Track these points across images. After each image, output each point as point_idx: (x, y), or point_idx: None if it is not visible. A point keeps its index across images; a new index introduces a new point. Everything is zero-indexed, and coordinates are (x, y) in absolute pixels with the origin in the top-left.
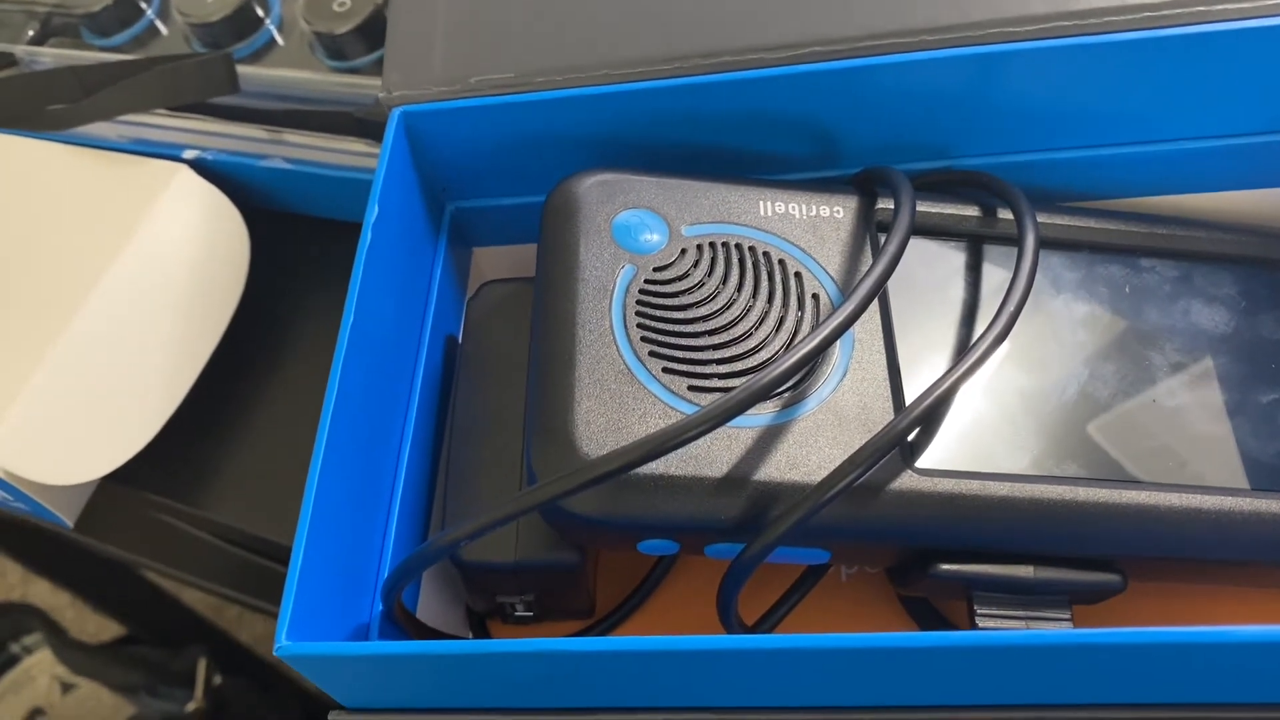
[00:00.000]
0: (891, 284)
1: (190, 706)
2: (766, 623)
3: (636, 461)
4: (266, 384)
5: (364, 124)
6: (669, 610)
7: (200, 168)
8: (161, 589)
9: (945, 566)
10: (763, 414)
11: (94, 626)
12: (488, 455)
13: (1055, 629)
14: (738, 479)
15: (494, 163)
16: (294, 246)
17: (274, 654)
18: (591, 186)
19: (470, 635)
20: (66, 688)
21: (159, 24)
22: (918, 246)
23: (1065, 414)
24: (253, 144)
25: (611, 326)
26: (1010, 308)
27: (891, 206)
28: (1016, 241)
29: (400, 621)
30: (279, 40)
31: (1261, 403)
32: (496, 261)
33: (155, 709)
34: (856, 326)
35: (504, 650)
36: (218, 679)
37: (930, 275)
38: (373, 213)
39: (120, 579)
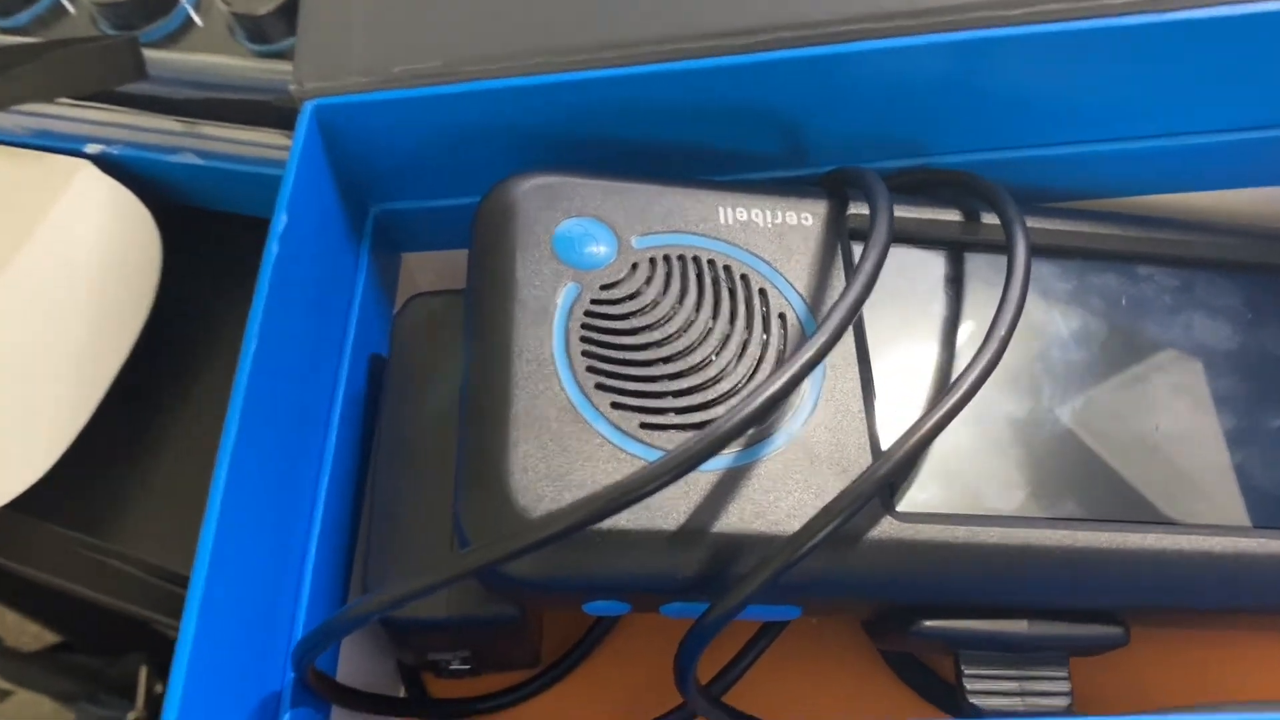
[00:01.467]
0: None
1: (131, 716)
2: (723, 680)
3: (583, 523)
4: (182, 401)
5: (285, 114)
6: (619, 659)
7: (105, 163)
8: (100, 603)
9: (929, 624)
10: (726, 454)
11: (36, 629)
12: (416, 493)
13: (1051, 688)
14: (697, 531)
15: (422, 161)
16: (211, 247)
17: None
18: (529, 192)
19: (402, 690)
20: (3, 695)
21: (65, 2)
22: (895, 256)
23: (1058, 445)
24: (164, 136)
25: (553, 355)
26: (1000, 332)
27: (865, 211)
28: (1004, 249)
29: (317, 689)
30: (196, 21)
31: (1273, 428)
32: (430, 268)
33: (95, 716)
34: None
35: None
36: (159, 687)
37: (909, 288)
38: (280, 222)
39: (50, 589)
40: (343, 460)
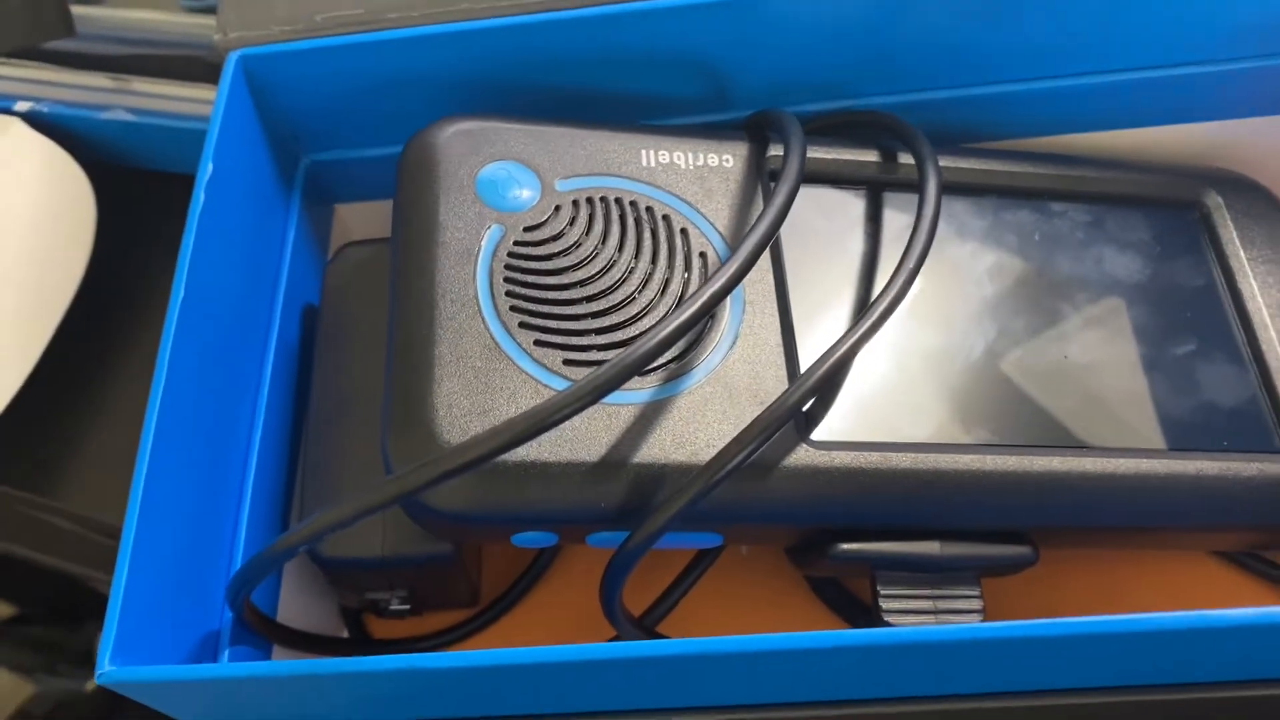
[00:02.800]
0: (786, 239)
1: (90, 686)
2: (655, 613)
3: (501, 448)
4: (119, 358)
5: (218, 70)
6: (559, 594)
7: (35, 121)
8: (48, 566)
9: (845, 546)
10: (645, 388)
11: None
12: (349, 439)
13: (963, 606)
14: (618, 462)
15: (350, 111)
16: (145, 206)
17: (95, 681)
18: (453, 137)
19: (344, 631)
20: None
21: None
22: (814, 196)
23: (972, 375)
24: (95, 94)
25: (476, 295)
26: (910, 264)
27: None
28: (918, 188)
29: (255, 627)
30: None
31: (1178, 355)
32: (365, 218)
33: (55, 687)
34: (747, 288)
35: (357, 670)
36: None
37: (828, 227)
38: (206, 171)
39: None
40: (277, 410)
